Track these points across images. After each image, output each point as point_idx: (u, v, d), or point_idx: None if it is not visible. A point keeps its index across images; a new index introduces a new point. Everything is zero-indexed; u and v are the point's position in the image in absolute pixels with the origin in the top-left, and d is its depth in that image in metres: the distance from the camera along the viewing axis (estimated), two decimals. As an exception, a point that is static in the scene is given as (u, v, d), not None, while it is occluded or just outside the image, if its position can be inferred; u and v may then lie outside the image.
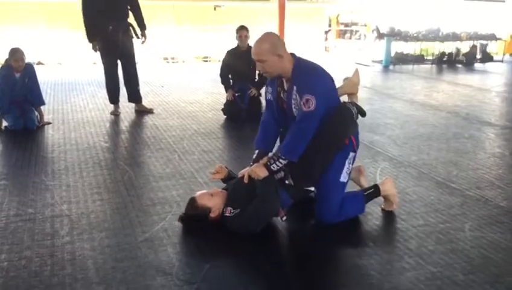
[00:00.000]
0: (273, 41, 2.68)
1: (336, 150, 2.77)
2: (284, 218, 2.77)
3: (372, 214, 3.07)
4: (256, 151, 2.95)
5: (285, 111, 2.84)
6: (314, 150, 2.70)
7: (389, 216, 3.04)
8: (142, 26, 5.68)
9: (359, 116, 2.94)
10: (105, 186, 3.50)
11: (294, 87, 2.69)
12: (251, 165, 2.87)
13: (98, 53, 5.62)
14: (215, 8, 16.98)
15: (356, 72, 3.39)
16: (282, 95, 2.81)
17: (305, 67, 2.73)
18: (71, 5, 15.04)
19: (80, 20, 5.47)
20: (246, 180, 2.80)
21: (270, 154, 2.89)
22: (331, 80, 2.81)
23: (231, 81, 5.75)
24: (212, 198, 2.81)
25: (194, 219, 2.81)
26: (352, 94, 3.32)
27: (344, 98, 3.21)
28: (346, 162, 2.84)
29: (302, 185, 2.92)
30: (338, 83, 3.06)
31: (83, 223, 2.90)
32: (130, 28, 5.64)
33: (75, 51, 14.02)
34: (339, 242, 2.72)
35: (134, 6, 5.61)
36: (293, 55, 2.76)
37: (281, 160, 2.72)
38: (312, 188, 3.10)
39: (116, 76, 5.74)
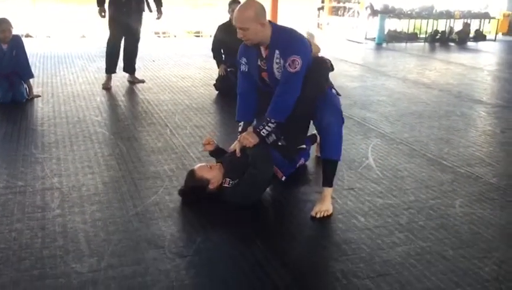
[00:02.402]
0: (257, 9, 2.66)
1: (317, 96, 2.79)
2: (284, 178, 2.83)
3: (364, 190, 3.08)
4: (241, 124, 2.96)
5: (263, 80, 2.85)
6: (300, 105, 2.71)
7: (380, 192, 3.05)
8: (159, 2, 5.76)
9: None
10: (96, 160, 3.48)
11: (276, 52, 2.69)
12: (238, 137, 2.88)
13: (103, 20, 5.62)
14: (207, -18, 16.71)
15: (308, 34, 3.41)
16: (260, 63, 2.80)
17: (284, 31, 2.75)
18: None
19: None
20: (238, 154, 2.81)
21: (255, 122, 2.90)
22: (307, 40, 2.84)
23: (223, 56, 5.69)
24: (211, 170, 2.83)
25: (193, 190, 2.82)
26: (316, 54, 3.27)
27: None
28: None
29: (295, 143, 2.93)
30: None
31: (74, 196, 2.88)
32: (144, 0, 5.63)
33: (64, 24, 13.81)
34: (329, 216, 2.72)
35: None
36: (269, 22, 2.76)
37: (270, 124, 2.74)
38: (304, 146, 3.15)
39: (119, 46, 5.78)
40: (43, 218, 2.61)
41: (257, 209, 2.79)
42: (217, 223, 2.66)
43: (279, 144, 2.88)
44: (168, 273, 2.16)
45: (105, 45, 5.80)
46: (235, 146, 2.89)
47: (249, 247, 2.40)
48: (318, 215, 2.69)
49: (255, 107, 2.98)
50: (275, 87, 2.75)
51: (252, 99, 2.97)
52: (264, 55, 2.77)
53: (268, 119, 2.73)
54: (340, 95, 2.94)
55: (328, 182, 2.80)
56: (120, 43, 5.78)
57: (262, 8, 2.70)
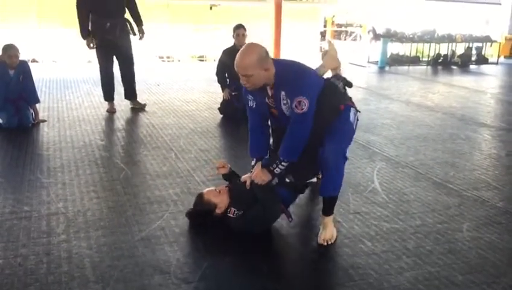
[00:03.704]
0: (260, 54, 2.53)
1: (330, 120, 2.70)
2: (291, 220, 2.80)
3: (370, 214, 3.07)
4: (254, 160, 2.90)
5: (274, 115, 2.78)
6: (312, 135, 2.66)
7: (386, 216, 3.04)
8: (139, 22, 5.70)
9: (346, 88, 2.90)
10: (102, 184, 3.48)
11: (282, 93, 2.61)
12: (251, 172, 2.86)
13: (93, 50, 5.59)
14: (211, 8, 16.94)
15: (330, 44, 3.33)
16: (268, 100, 2.73)
17: (288, 71, 2.64)
18: (63, 2, 14.99)
19: (73, 17, 5.45)
20: (248, 186, 2.81)
21: (266, 157, 2.87)
22: (312, 71, 2.78)
23: (228, 80, 5.73)
24: (219, 195, 2.83)
25: (201, 214, 2.82)
26: (335, 68, 3.22)
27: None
28: (351, 120, 2.78)
29: (304, 179, 2.92)
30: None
31: (79, 221, 2.88)
32: (127, 24, 5.63)
33: (70, 49, 13.97)
34: (336, 241, 2.70)
35: (131, 3, 5.63)
36: (273, 60, 2.65)
37: (283, 163, 2.71)
38: (313, 180, 3.13)
39: (112, 73, 5.73)
40: (49, 243, 2.60)
41: (263, 234, 2.77)
42: (222, 249, 2.64)
43: (287, 180, 2.83)
44: (174, 299, 2.15)
45: (99, 74, 5.75)
46: (247, 179, 2.86)
47: (255, 273, 2.39)
48: (325, 244, 2.68)
49: (267, 142, 2.92)
50: (286, 122, 2.69)
51: (263, 135, 2.91)
52: (270, 94, 2.69)
53: (280, 158, 2.70)
54: (359, 112, 2.86)
55: (327, 212, 2.77)
56: (111, 69, 5.72)
57: (265, 52, 2.56)
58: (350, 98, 2.88)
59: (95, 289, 2.20)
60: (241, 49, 2.58)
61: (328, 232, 2.73)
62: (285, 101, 2.64)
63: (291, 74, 2.63)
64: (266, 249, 2.65)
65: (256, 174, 2.79)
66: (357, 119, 2.84)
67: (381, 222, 2.96)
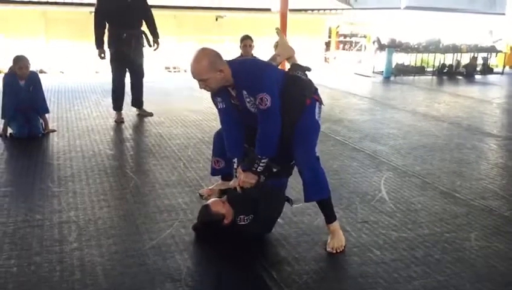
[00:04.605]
0: (210, 57, 2.60)
1: (298, 116, 2.71)
2: (292, 204, 2.90)
3: (378, 223, 3.09)
4: (235, 160, 2.87)
5: (242, 113, 2.79)
6: (282, 128, 2.67)
7: (394, 225, 3.06)
8: (155, 35, 5.85)
9: (307, 74, 2.88)
10: (112, 193, 3.52)
11: (244, 92, 2.65)
12: (235, 174, 2.86)
13: (105, 60, 5.72)
14: (217, 19, 17.08)
15: (280, 33, 3.26)
16: (233, 101, 2.76)
17: (244, 70, 2.69)
18: (70, 15, 15.16)
19: (81, 29, 5.58)
20: (239, 191, 2.80)
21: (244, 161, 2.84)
22: (267, 65, 2.81)
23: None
24: (225, 205, 2.82)
25: (208, 226, 2.82)
26: (291, 57, 3.15)
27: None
28: (316, 118, 2.79)
29: (288, 161, 2.86)
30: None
31: (91, 229, 2.91)
32: (143, 36, 5.78)
33: (77, 60, 14.11)
34: (345, 250, 2.73)
35: (148, 16, 5.79)
36: (227, 62, 2.70)
37: (262, 160, 2.70)
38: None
39: (123, 83, 5.88)
40: (61, 251, 2.64)
41: (271, 242, 2.81)
42: (232, 257, 2.67)
43: (274, 170, 2.82)
44: (185, 307, 2.18)
45: (111, 83, 5.89)
46: (235, 185, 2.84)
47: (266, 280, 2.41)
48: (335, 251, 2.70)
49: (243, 139, 2.88)
50: (255, 120, 2.69)
51: (239, 132, 2.87)
52: (234, 94, 2.73)
53: (259, 157, 2.70)
54: (323, 104, 2.85)
55: (329, 219, 2.80)
56: (124, 80, 5.88)
57: (216, 55, 2.63)
58: (316, 89, 2.85)
59: (108, 297, 2.24)
60: (192, 57, 2.62)
61: (336, 240, 2.75)
62: (248, 99, 2.65)
63: (248, 72, 2.67)
64: (275, 257, 2.68)
65: (242, 180, 2.76)
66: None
67: (389, 231, 2.98)
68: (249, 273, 2.52)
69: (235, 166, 2.87)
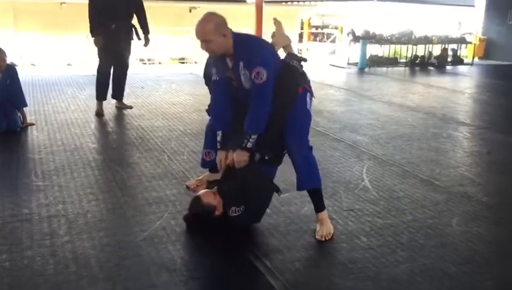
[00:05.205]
0: (217, 21, 2.66)
1: (290, 103, 2.78)
2: (281, 193, 2.93)
3: (363, 211, 3.18)
4: (219, 133, 2.90)
5: (235, 87, 2.83)
6: (274, 116, 2.73)
7: (379, 212, 3.16)
8: (146, 30, 5.89)
9: (303, 64, 2.95)
10: (98, 186, 3.52)
11: (241, 63, 2.70)
12: (219, 149, 2.90)
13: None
14: (190, 10, 16.97)
15: (277, 22, 3.34)
16: (228, 74, 2.80)
17: (245, 41, 2.75)
18: (40, 6, 14.83)
19: (51, 21, 5.56)
20: (224, 171, 2.82)
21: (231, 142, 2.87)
22: (269, 44, 2.89)
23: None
24: (216, 196, 2.86)
25: (200, 217, 2.86)
26: (287, 46, 3.26)
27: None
28: (308, 108, 2.86)
29: (280, 150, 2.91)
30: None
31: (80, 222, 2.91)
32: (133, 29, 5.80)
33: (48, 52, 13.84)
34: (333, 237, 2.80)
35: (139, 10, 5.81)
36: (232, 32, 2.73)
37: (252, 136, 2.72)
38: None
39: (109, 73, 5.88)
40: (53, 245, 2.64)
41: (262, 232, 2.86)
42: (224, 247, 2.72)
43: (266, 158, 2.89)
44: (182, 295, 2.22)
45: (96, 73, 5.90)
46: (222, 161, 2.87)
47: (257, 270, 2.47)
48: (324, 239, 2.78)
49: (231, 114, 2.90)
50: (246, 97, 2.74)
51: (226, 106, 2.91)
52: (230, 66, 2.77)
53: (249, 133, 2.72)
54: (314, 96, 2.92)
55: (318, 208, 2.89)
56: (110, 70, 5.91)
57: (222, 20, 2.69)
58: (309, 80, 2.92)
59: (105, 287, 2.26)
60: (200, 18, 2.68)
61: (325, 228, 2.83)
62: (243, 72, 2.69)
63: (249, 45, 2.74)
64: (266, 246, 2.73)
65: (235, 161, 2.76)
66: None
67: (374, 218, 3.08)
68: (242, 262, 2.57)
69: (218, 138, 2.91)
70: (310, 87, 2.90)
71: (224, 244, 2.74)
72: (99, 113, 5.68)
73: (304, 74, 2.89)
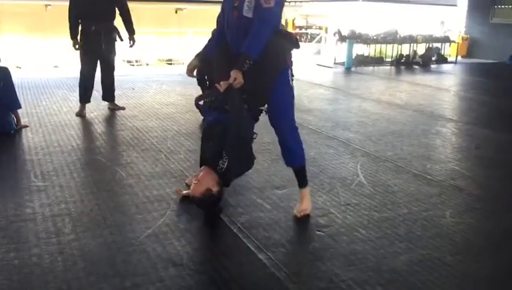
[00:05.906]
0: None
1: (278, 71, 2.88)
2: (255, 136, 3.01)
3: (360, 205, 3.28)
4: (201, 102, 3.09)
5: (235, 23, 2.87)
6: (262, 74, 2.82)
7: (375, 206, 3.25)
8: (131, 31, 5.85)
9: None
10: (99, 186, 3.56)
11: None
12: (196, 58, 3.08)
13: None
14: (176, 11, 17.00)
15: None
16: (235, 4, 2.83)
17: None
18: (24, 7, 14.72)
19: (35, 23, 5.55)
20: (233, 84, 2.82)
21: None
22: None
23: (207, 82, 5.85)
24: (201, 183, 2.87)
25: (209, 204, 2.93)
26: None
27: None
28: (290, 80, 2.96)
29: (258, 105, 2.99)
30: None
31: (85, 221, 2.96)
32: (114, 31, 5.75)
33: (33, 55, 13.75)
34: (332, 230, 2.89)
35: (123, 11, 5.77)
36: None
37: (246, 60, 2.74)
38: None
39: (92, 76, 5.83)
40: (59, 243, 2.68)
41: (263, 227, 2.93)
42: (229, 242, 2.80)
43: (245, 106, 2.94)
44: (190, 289, 2.28)
45: (79, 75, 5.87)
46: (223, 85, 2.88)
47: (264, 261, 2.54)
48: (299, 215, 2.99)
49: (216, 42, 3.06)
50: (237, 29, 2.81)
51: (217, 35, 3.07)
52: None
53: (245, 55, 2.73)
54: (293, 76, 2.98)
55: (301, 184, 3.07)
56: (93, 74, 5.85)
57: None
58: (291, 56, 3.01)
59: (115, 283, 2.31)
60: None
61: (303, 204, 3.04)
62: (248, 3, 2.75)
63: None
64: (268, 240, 2.80)
65: (233, 78, 2.74)
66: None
67: (371, 212, 3.17)
68: (246, 256, 2.64)
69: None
70: (292, 63, 2.97)
71: (228, 240, 2.82)
72: (81, 115, 5.69)
73: (296, 43, 2.96)
